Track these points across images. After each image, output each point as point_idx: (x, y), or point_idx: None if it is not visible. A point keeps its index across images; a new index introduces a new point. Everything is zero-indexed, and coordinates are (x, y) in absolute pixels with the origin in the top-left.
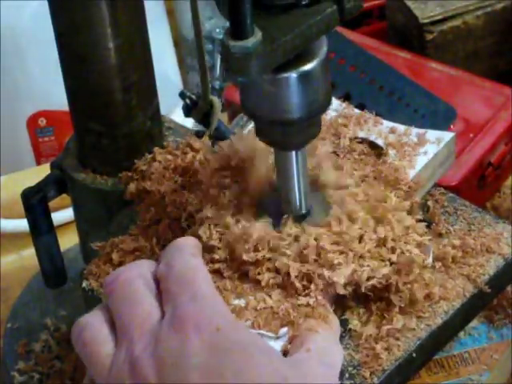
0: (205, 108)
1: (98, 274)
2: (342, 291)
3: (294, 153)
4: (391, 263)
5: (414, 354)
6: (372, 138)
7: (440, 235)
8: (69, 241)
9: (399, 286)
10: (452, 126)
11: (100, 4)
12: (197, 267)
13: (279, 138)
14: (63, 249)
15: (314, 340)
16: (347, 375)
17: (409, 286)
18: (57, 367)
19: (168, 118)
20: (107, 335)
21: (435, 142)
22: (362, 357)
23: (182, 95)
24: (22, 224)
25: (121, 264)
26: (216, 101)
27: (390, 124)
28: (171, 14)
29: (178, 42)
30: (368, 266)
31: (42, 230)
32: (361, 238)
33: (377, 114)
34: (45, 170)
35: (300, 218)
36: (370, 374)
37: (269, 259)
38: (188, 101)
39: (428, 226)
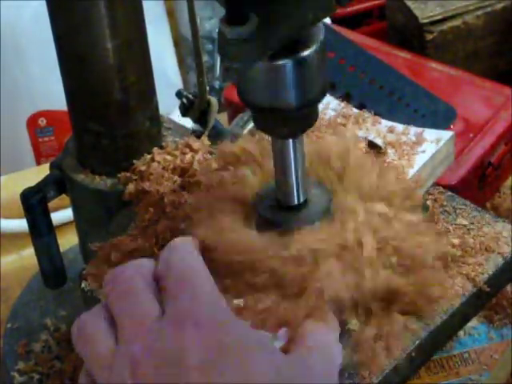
0: (202, 107)
1: (97, 275)
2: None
3: (290, 141)
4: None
5: (414, 354)
6: (370, 137)
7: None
8: (68, 241)
9: (400, 288)
10: (452, 126)
11: (98, 4)
12: (196, 266)
13: (276, 126)
14: (63, 249)
15: (314, 339)
16: (346, 375)
17: (410, 287)
18: (57, 367)
19: (167, 118)
20: (107, 334)
21: (434, 141)
22: (361, 356)
23: (179, 95)
24: (22, 224)
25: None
26: (213, 100)
27: (389, 123)
28: (171, 14)
29: (178, 41)
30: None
31: (41, 230)
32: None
33: (376, 114)
34: (45, 170)
35: (297, 208)
36: (369, 374)
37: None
38: (185, 100)
39: None
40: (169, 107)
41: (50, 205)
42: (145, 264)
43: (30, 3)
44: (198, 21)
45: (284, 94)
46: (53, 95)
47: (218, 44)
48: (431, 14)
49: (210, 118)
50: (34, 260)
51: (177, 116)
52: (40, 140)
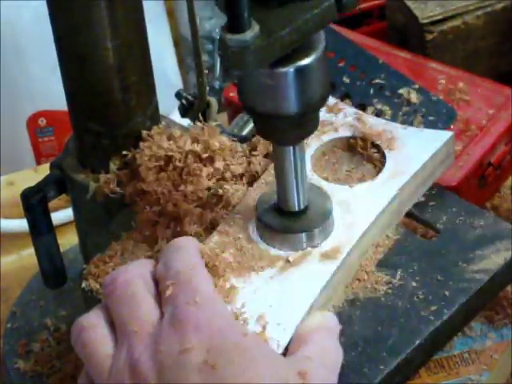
0: (201, 108)
1: (97, 275)
2: None
3: (291, 148)
4: None
5: (414, 354)
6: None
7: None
8: (68, 241)
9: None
10: (452, 126)
11: (99, 4)
12: (196, 267)
13: (276, 132)
14: (63, 249)
15: (314, 340)
16: (347, 375)
17: None
18: (57, 367)
19: (167, 117)
20: (107, 336)
21: (434, 141)
22: (361, 356)
23: (179, 95)
24: (22, 224)
25: (120, 264)
26: (213, 101)
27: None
28: (171, 14)
29: (178, 41)
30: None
31: (41, 230)
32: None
33: (376, 114)
34: (45, 170)
35: (297, 215)
36: (370, 374)
37: None
38: (184, 101)
39: (428, 226)
40: (169, 107)
41: (50, 204)
42: (144, 265)
43: (29, 3)
44: (198, 21)
45: (285, 101)
46: (53, 95)
47: (218, 51)
48: (431, 13)
49: (209, 119)
50: (34, 260)
51: (177, 116)
52: (40, 140)
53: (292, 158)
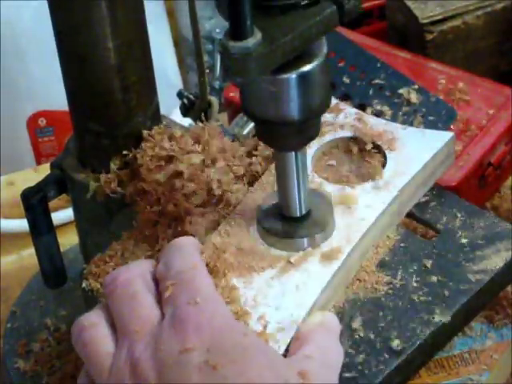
0: (203, 107)
1: (97, 274)
2: None
3: (293, 153)
4: None
5: (415, 355)
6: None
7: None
8: (69, 241)
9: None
10: (452, 126)
11: (99, 4)
12: (196, 267)
13: (278, 138)
14: (63, 249)
15: (315, 340)
16: (347, 375)
17: None
18: (57, 367)
19: (168, 117)
20: (107, 335)
21: (435, 141)
22: (361, 356)
23: (180, 95)
24: (22, 224)
25: (120, 264)
26: (214, 100)
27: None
28: (171, 14)
29: (178, 42)
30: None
31: (41, 230)
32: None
33: (376, 114)
34: (45, 170)
35: (298, 220)
36: (371, 374)
37: None
38: (186, 101)
39: (428, 226)
40: (169, 107)
41: (50, 204)
42: (145, 264)
43: (30, 3)
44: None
45: (287, 108)
46: (53, 95)
47: (221, 59)
48: (431, 13)
49: (210, 119)
50: (34, 260)
51: (177, 116)
52: (40, 140)
53: (294, 163)
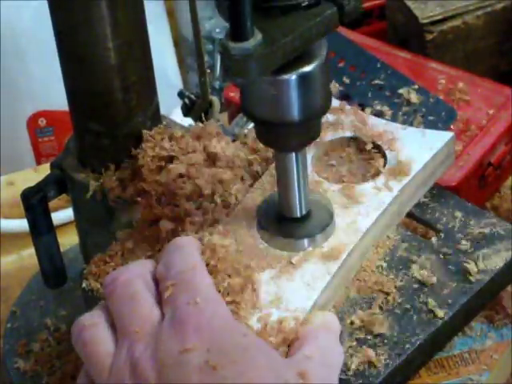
0: (204, 108)
1: (97, 274)
2: None
3: (293, 154)
4: None
5: (414, 354)
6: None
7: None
8: (69, 241)
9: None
10: (452, 126)
11: (99, 4)
12: (196, 267)
13: (278, 139)
14: (63, 249)
15: (315, 341)
16: (347, 375)
17: None
18: (57, 367)
19: (168, 117)
20: (107, 335)
21: (435, 142)
22: (361, 356)
23: (181, 95)
24: (22, 224)
25: (120, 264)
26: (215, 100)
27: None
28: (171, 14)
29: (178, 41)
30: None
31: (41, 230)
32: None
33: (376, 114)
34: (45, 170)
35: (299, 221)
36: (370, 374)
37: None
38: (187, 100)
39: (427, 226)
40: (169, 107)
41: (50, 204)
42: (145, 265)
43: (30, 3)
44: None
45: (287, 109)
46: (53, 95)
47: (221, 60)
48: (431, 13)
49: (211, 118)
50: (34, 260)
51: (177, 116)
52: (40, 140)
53: (294, 164)
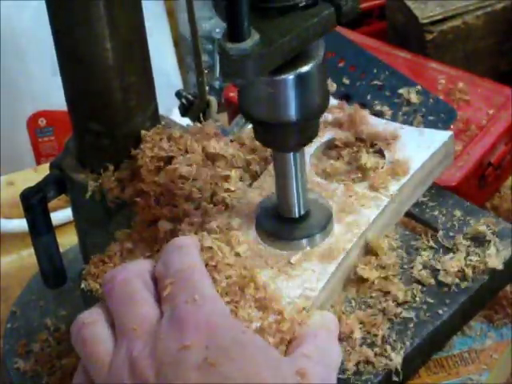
0: (201, 108)
1: (96, 275)
2: None
3: (291, 154)
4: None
5: (414, 354)
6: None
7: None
8: (68, 241)
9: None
10: (452, 126)
11: (98, 4)
12: (195, 266)
13: (276, 139)
14: (63, 249)
15: (313, 340)
16: (347, 375)
17: None
18: (57, 367)
19: (167, 117)
20: (106, 334)
21: (433, 141)
22: (360, 356)
23: (179, 95)
24: (22, 224)
25: (119, 264)
26: (213, 100)
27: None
28: (171, 14)
29: (178, 41)
30: None
31: (41, 230)
32: None
33: (376, 114)
34: (45, 170)
35: (297, 221)
36: (370, 374)
37: None
38: (184, 100)
39: (427, 226)
40: (169, 107)
41: (50, 205)
42: (143, 264)
43: (30, 3)
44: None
45: (285, 109)
46: (53, 95)
47: (219, 60)
48: (431, 13)
49: (209, 118)
50: (34, 260)
51: (176, 116)
52: (40, 140)
53: (292, 164)
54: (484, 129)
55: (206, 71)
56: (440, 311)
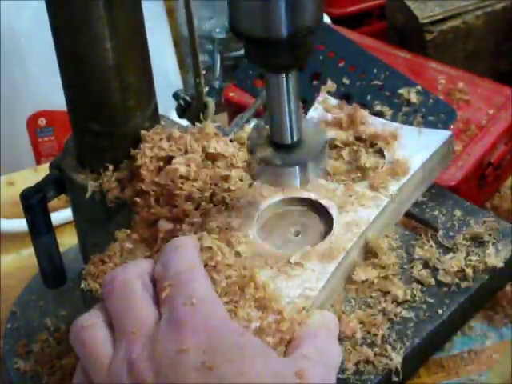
0: (199, 109)
1: (96, 275)
2: None
3: (284, 77)
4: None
5: (414, 354)
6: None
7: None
8: (68, 241)
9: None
10: (452, 126)
11: (98, 4)
12: (193, 267)
13: (267, 57)
14: (63, 249)
15: (313, 340)
16: (347, 375)
17: None
18: (57, 367)
19: (167, 117)
20: (105, 335)
21: (433, 140)
22: (360, 356)
23: (176, 96)
24: (22, 224)
25: (119, 264)
26: (210, 102)
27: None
28: (171, 13)
29: (178, 41)
30: None
31: (41, 230)
32: None
33: (376, 114)
34: (45, 170)
35: (290, 148)
36: (370, 374)
37: None
38: (182, 102)
39: (427, 225)
40: (168, 107)
41: (50, 205)
42: (143, 265)
43: (30, 3)
44: (196, 21)
45: (275, 24)
46: (53, 95)
47: None
48: (431, 13)
49: (206, 120)
50: (34, 260)
51: (176, 116)
52: (40, 140)
53: (285, 88)
54: (484, 129)
55: (204, 72)
56: (440, 311)
